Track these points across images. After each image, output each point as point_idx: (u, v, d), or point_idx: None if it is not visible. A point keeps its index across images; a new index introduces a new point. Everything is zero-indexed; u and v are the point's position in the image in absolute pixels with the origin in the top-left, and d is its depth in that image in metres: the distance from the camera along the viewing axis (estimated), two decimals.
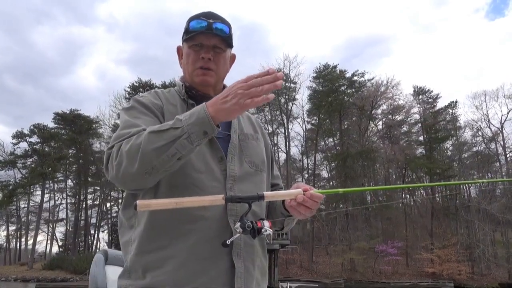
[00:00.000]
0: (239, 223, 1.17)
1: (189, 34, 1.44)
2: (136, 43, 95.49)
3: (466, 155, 47.64)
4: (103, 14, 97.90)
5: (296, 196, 1.25)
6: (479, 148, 47.51)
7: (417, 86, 48.04)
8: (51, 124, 51.79)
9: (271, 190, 1.58)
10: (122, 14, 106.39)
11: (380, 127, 49.84)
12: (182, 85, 1.49)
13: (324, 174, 54.52)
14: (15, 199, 50.36)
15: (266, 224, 1.21)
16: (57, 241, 54.36)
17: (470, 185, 41.25)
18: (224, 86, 1.55)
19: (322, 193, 1.26)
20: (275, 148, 47.65)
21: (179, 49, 1.56)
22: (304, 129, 50.31)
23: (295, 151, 51.55)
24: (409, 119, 48.56)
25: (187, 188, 1.26)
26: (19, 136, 50.65)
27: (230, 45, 1.49)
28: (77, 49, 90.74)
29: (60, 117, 51.14)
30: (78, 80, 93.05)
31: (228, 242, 1.16)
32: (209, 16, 1.44)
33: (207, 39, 1.43)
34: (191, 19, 1.46)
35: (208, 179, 1.31)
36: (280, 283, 25.25)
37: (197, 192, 1.26)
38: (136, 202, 1.08)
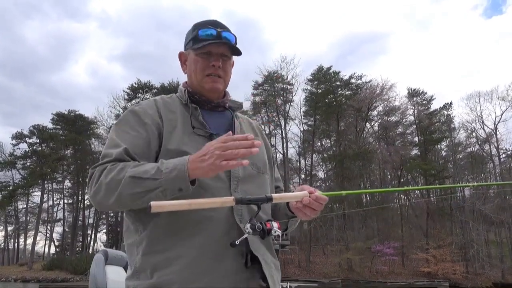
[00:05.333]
0: (249, 224, 1.20)
1: (200, 43, 1.45)
2: (129, 39, 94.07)
3: (460, 156, 48.09)
4: (95, 9, 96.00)
5: (302, 198, 1.29)
6: (473, 149, 47.94)
7: (412, 88, 48.47)
8: (49, 125, 51.99)
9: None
10: (115, 10, 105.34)
11: (375, 128, 50.29)
12: (185, 90, 1.51)
13: (321, 174, 55.00)
14: (13, 200, 50.47)
15: (275, 225, 1.24)
16: (53, 241, 54.51)
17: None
18: (225, 92, 1.59)
19: (326, 195, 1.31)
20: (273, 149, 47.92)
21: (181, 55, 1.58)
22: (301, 129, 50.79)
23: (292, 152, 52.00)
24: (404, 120, 49.03)
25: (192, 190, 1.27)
26: (19, 137, 50.80)
27: (236, 53, 1.53)
28: (68, 45, 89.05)
29: (60, 118, 51.24)
30: (70, 77, 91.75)
31: (237, 242, 1.19)
32: (217, 25, 1.48)
33: (216, 47, 1.46)
34: (199, 27, 1.48)
35: (213, 180, 1.33)
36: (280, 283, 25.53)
37: (202, 193, 1.28)
38: (150, 204, 1.10)
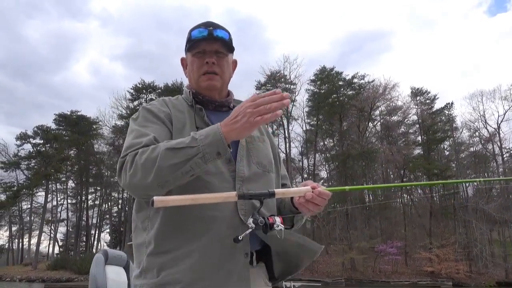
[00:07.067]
0: (251, 219, 1.21)
1: (192, 43, 1.50)
2: (130, 38, 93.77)
3: (463, 155, 48.00)
4: (96, 8, 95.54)
5: (305, 193, 1.30)
6: (476, 149, 47.87)
7: (415, 88, 48.43)
8: (52, 125, 52.24)
9: None
10: (116, 8, 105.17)
11: (378, 128, 50.31)
12: (189, 91, 1.53)
13: (323, 174, 55.05)
14: (17, 200, 50.74)
15: (278, 220, 1.24)
16: (57, 241, 54.74)
17: (467, 185, 41.72)
18: (229, 92, 1.62)
19: (329, 191, 1.32)
20: None
21: (183, 60, 1.62)
22: (304, 129, 50.86)
23: (294, 151, 52.07)
24: (406, 120, 49.00)
25: (197, 190, 1.27)
26: (23, 137, 51.06)
27: (231, 50, 1.55)
28: (69, 45, 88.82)
29: (62, 118, 51.49)
30: (71, 76, 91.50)
31: (240, 237, 1.19)
32: (209, 24, 1.51)
33: (209, 45, 1.49)
34: (192, 29, 1.53)
35: (218, 181, 1.35)
36: (283, 282, 25.57)
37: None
38: (153, 198, 1.11)
